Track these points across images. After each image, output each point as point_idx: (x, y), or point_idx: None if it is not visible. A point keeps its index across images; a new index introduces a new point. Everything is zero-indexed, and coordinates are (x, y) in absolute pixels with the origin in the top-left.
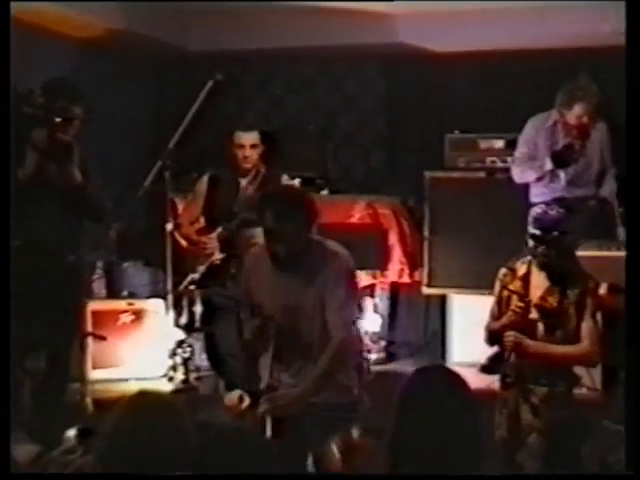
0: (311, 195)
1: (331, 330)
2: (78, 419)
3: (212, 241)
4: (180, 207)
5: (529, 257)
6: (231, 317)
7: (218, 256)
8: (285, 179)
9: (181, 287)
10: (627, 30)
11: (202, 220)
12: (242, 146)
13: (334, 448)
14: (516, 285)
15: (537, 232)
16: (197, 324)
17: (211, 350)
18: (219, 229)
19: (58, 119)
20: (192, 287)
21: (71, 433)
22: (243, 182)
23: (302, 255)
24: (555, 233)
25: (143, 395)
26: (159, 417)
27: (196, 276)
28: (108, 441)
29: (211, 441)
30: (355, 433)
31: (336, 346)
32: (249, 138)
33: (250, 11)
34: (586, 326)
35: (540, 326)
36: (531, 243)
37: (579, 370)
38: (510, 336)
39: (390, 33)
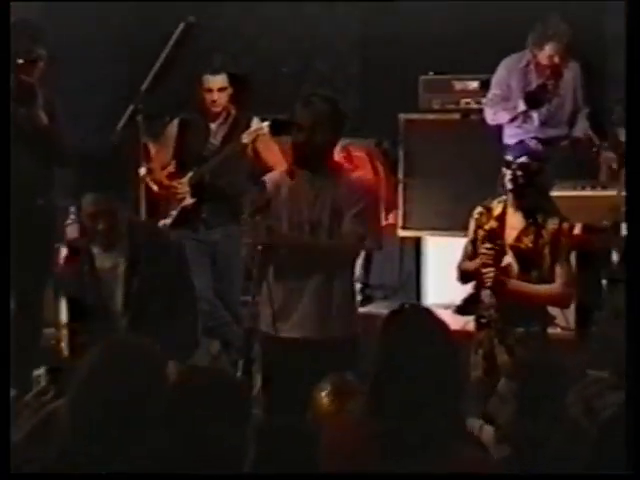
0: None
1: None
2: (53, 364)
3: (183, 186)
4: (152, 152)
5: (505, 197)
6: (204, 262)
7: (189, 201)
8: (256, 122)
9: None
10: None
11: (173, 164)
12: (210, 90)
13: (323, 392)
14: (492, 225)
15: (513, 158)
16: None
17: None
18: (190, 174)
19: (20, 60)
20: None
21: (40, 372)
22: (213, 126)
23: (325, 169)
24: (533, 161)
25: (117, 339)
26: (134, 359)
27: (168, 221)
28: (81, 383)
29: (185, 382)
30: (349, 377)
31: (344, 243)
32: (217, 81)
33: None
34: (560, 267)
35: (515, 267)
36: (508, 175)
37: (553, 310)
38: (490, 272)
39: None
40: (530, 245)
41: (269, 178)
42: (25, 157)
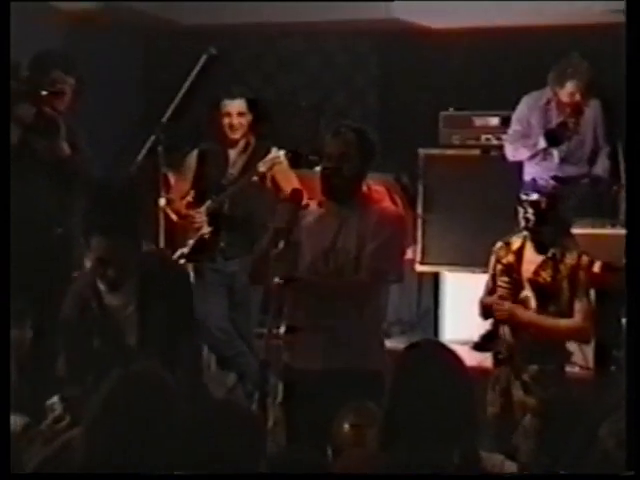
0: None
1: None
2: (68, 392)
3: (200, 215)
4: (172, 182)
5: (525, 232)
6: (221, 291)
7: (207, 229)
8: (275, 151)
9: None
10: (627, 24)
11: (192, 194)
12: (229, 114)
13: (345, 424)
14: (509, 259)
15: (524, 196)
16: None
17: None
18: (208, 202)
19: (45, 92)
20: (182, 261)
21: (54, 400)
22: (232, 154)
23: (357, 196)
24: (544, 198)
25: (131, 369)
26: (149, 391)
27: (185, 250)
28: (97, 413)
29: (202, 415)
30: (371, 407)
31: (360, 278)
32: (236, 106)
33: None
34: (579, 302)
35: (533, 301)
36: (521, 213)
37: (571, 347)
38: (503, 305)
39: (384, 9)
40: (548, 279)
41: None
42: (46, 187)
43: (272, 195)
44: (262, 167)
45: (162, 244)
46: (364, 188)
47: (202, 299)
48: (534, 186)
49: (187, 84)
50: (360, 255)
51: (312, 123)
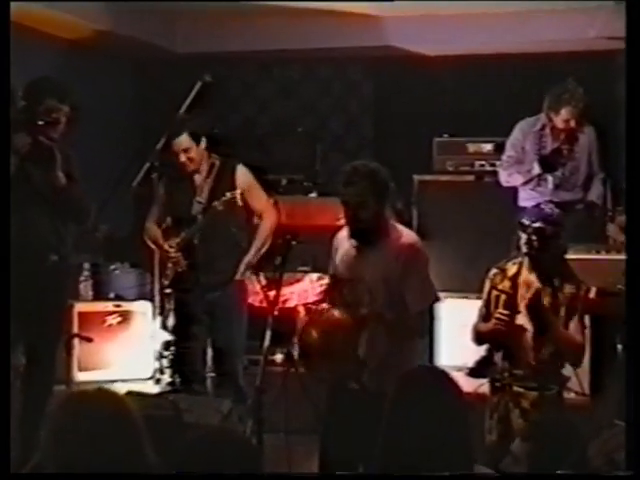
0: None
1: (410, 304)
2: None
3: (174, 249)
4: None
5: (520, 258)
6: (204, 318)
7: (183, 263)
8: (240, 167)
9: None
10: (627, 35)
11: (169, 221)
12: (176, 153)
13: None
14: (505, 285)
15: (529, 222)
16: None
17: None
18: (181, 235)
19: (41, 122)
20: (168, 291)
21: None
22: (198, 179)
23: (378, 233)
24: (549, 226)
25: (84, 393)
26: (102, 415)
27: (166, 282)
28: (51, 440)
29: (194, 442)
30: None
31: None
32: (178, 143)
33: (237, 12)
34: (574, 325)
35: (529, 328)
36: (523, 239)
37: (567, 372)
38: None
39: (378, 36)
40: (547, 307)
41: (337, 237)
42: (41, 216)
43: (243, 214)
44: (220, 207)
45: (157, 271)
46: (384, 222)
47: (186, 328)
48: (539, 213)
49: (182, 111)
50: (391, 291)
51: (308, 149)
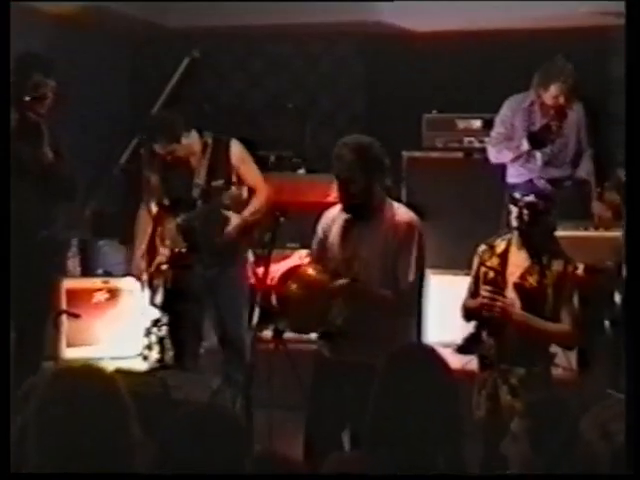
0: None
1: (400, 280)
2: None
3: (171, 229)
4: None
5: (509, 235)
6: (200, 299)
7: (182, 245)
8: (234, 142)
9: (152, 267)
10: (627, 35)
11: (167, 200)
12: (162, 155)
13: None
14: (493, 262)
15: (521, 196)
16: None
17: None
18: (179, 219)
19: (28, 98)
20: (163, 267)
21: None
22: (193, 161)
23: (372, 209)
24: (541, 200)
25: (69, 369)
26: (87, 392)
27: (162, 259)
28: (35, 416)
29: (183, 419)
30: None
31: (400, 291)
32: (161, 147)
33: None
34: (566, 308)
35: (517, 305)
36: (514, 212)
37: (553, 349)
38: (496, 301)
39: (369, 12)
40: (534, 284)
41: (326, 215)
42: (29, 192)
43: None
44: (227, 201)
45: (145, 247)
46: (377, 198)
47: (183, 304)
48: (531, 187)
49: (170, 87)
50: (385, 264)
51: (298, 126)
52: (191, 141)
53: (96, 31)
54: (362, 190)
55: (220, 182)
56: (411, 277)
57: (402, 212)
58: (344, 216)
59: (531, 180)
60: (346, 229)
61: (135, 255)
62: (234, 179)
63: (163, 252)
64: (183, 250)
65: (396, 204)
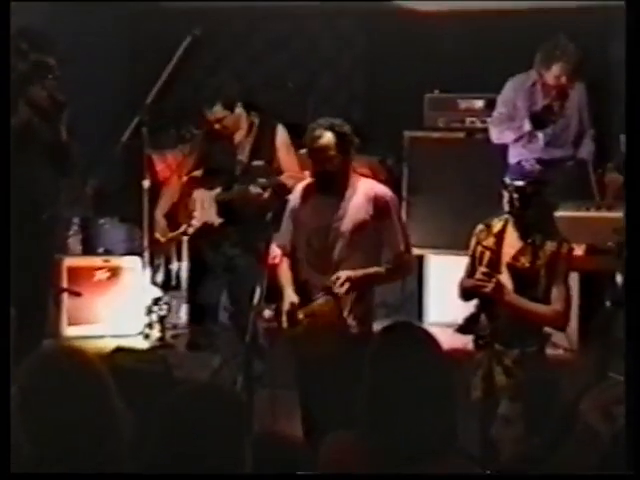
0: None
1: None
2: None
3: (201, 202)
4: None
5: (506, 215)
6: (220, 274)
7: (216, 220)
8: (280, 127)
9: (175, 233)
10: (627, 35)
11: (200, 172)
12: (210, 122)
13: None
14: (489, 242)
15: (510, 181)
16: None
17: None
18: (217, 191)
19: (51, 76)
20: (185, 238)
21: None
22: (237, 137)
23: (345, 185)
24: (529, 184)
25: (50, 354)
26: (68, 373)
27: (190, 230)
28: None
29: (183, 397)
30: None
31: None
32: (213, 115)
33: None
34: (557, 289)
35: (509, 285)
36: (505, 197)
37: (555, 331)
38: (489, 280)
39: None
40: (527, 265)
41: (297, 189)
42: (41, 170)
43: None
44: (266, 195)
45: (146, 225)
46: (352, 172)
47: (201, 281)
48: (520, 171)
49: (171, 65)
50: (354, 237)
51: (299, 104)
52: (241, 115)
53: (97, 8)
54: (336, 168)
55: (261, 162)
56: (401, 246)
57: (377, 187)
58: (316, 190)
59: (519, 162)
60: (319, 200)
61: (156, 216)
62: (275, 164)
63: (194, 223)
64: (216, 223)
65: (370, 180)
